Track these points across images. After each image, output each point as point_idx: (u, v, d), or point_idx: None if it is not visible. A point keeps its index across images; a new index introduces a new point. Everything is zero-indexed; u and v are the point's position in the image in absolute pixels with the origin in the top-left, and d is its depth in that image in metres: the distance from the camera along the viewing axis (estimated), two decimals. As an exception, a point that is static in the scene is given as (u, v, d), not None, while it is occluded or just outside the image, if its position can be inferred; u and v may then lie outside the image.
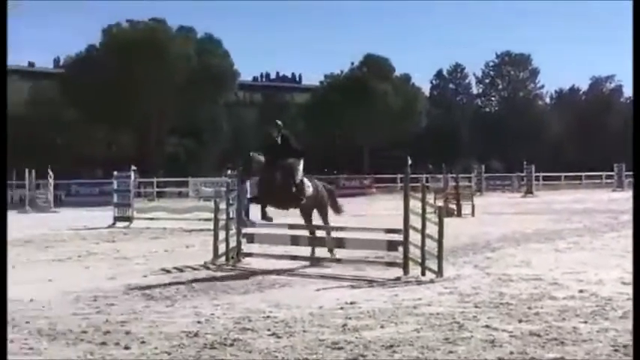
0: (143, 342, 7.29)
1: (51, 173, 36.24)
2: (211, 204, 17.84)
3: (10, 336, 7.60)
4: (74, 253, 15.90)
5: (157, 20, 53.99)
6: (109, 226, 23.31)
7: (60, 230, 21.66)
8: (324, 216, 13.90)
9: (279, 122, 13.48)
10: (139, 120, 53.54)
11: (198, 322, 8.17)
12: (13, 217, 30.39)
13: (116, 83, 49.69)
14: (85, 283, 11.27)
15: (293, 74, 79.52)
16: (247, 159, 13.20)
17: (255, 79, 75.86)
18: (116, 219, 24.29)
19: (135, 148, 53.90)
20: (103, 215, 25.06)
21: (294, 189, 12.99)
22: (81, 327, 7.96)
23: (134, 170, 25.64)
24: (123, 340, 7.38)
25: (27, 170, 37.14)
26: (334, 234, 13.39)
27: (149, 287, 10.82)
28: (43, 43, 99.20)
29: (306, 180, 13.34)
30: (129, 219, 24.03)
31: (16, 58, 68.54)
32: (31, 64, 67.61)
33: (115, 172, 25.96)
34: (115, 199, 25.30)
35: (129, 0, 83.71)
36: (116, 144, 54.57)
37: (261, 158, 13.06)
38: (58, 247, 17.05)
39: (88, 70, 51.00)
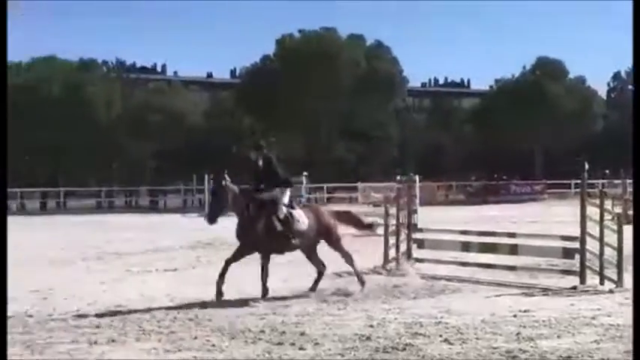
0: (317, 343, 7.47)
1: (228, 178, 37.76)
2: (381, 209, 17.98)
3: (193, 333, 8.06)
4: (250, 255, 16.48)
5: (327, 29, 55.09)
6: (282, 230, 23.96)
7: (233, 233, 22.47)
8: (334, 246, 11.40)
9: (262, 143, 11.25)
10: (310, 126, 54.81)
11: (370, 326, 8.27)
12: (192, 220, 31.98)
13: (288, 91, 51.17)
14: (259, 284, 11.66)
15: (462, 79, 78.60)
16: (218, 186, 10.73)
17: (423, 84, 75.63)
18: (289, 223, 24.93)
19: (305, 154, 55.18)
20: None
21: (278, 226, 10.56)
22: (258, 327, 8.29)
23: (305, 176, 26.28)
24: (298, 340, 7.60)
25: (206, 176, 38.99)
26: (507, 240, 13.05)
27: (321, 289, 11.06)
28: (221, 55, 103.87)
29: (297, 212, 10.89)
30: (301, 223, 24.60)
31: (195, 70, 72.35)
32: (209, 75, 70.93)
33: (288, 178, 26.72)
34: (288, 203, 25.98)
35: (304, 4, 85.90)
36: (287, 150, 56.07)
37: (235, 187, 10.67)
38: (233, 250, 17.70)
39: (263, 79, 52.85)
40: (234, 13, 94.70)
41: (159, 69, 70.51)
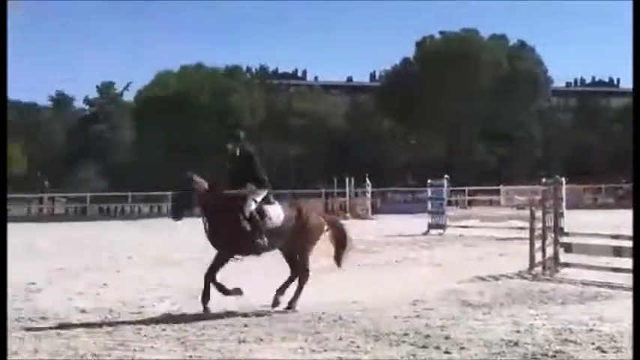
0: (463, 347, 7.38)
1: (368, 182, 38.03)
2: (524, 212, 17.54)
3: (338, 333, 8.14)
4: (391, 258, 16.51)
5: (468, 30, 54.44)
6: (424, 234, 23.86)
7: (378, 237, 22.58)
8: (299, 251, 9.98)
9: (241, 133, 9.96)
10: (450, 128, 54.30)
11: (517, 332, 8.08)
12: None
13: (428, 93, 50.91)
14: (402, 287, 11.65)
15: (610, 78, 75.45)
16: (182, 181, 9.65)
17: (568, 84, 73.20)
18: (430, 226, 24.80)
19: (446, 156, 54.66)
20: (417, 222, 25.71)
21: (246, 225, 9.40)
22: (402, 329, 8.27)
23: (447, 179, 26.00)
24: (443, 344, 7.53)
25: (347, 179, 39.36)
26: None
27: (465, 293, 10.93)
28: (360, 59, 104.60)
29: (271, 207, 9.66)
30: (442, 226, 24.41)
31: (335, 74, 73.19)
32: (349, 80, 71.56)
33: (429, 181, 26.60)
34: (429, 207, 25.92)
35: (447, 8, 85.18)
36: (427, 152, 55.75)
37: (203, 182, 9.63)
38: (377, 253, 17.79)
39: (403, 82, 52.83)
40: (373, 17, 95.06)
41: (300, 74, 71.77)
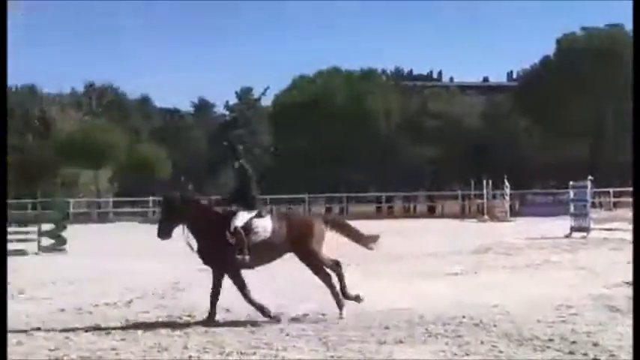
0: (612, 355, 7.11)
1: (507, 183, 37.27)
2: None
3: (479, 337, 8.01)
4: (532, 261, 16.10)
5: (613, 25, 52.39)
6: (566, 236, 23.09)
7: (517, 239, 22.08)
8: (304, 259, 9.71)
9: (241, 148, 10.04)
10: (593, 128, 52.37)
11: (672, 339, 7.69)
12: (471, 226, 31.86)
13: (568, 92, 49.34)
14: (545, 291, 11.34)
15: None
16: (167, 198, 9.81)
17: None
18: (573, 229, 23.99)
19: (587, 156, 52.72)
20: (559, 225, 24.94)
21: (230, 239, 9.32)
22: (547, 334, 8.04)
23: (591, 180, 25.08)
24: (591, 350, 7.27)
25: (484, 181, 38.75)
26: None
27: (612, 298, 10.50)
28: (497, 59, 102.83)
29: (260, 220, 9.51)
30: (586, 229, 23.55)
31: (470, 75, 72.18)
32: (485, 80, 70.39)
33: (571, 182, 25.79)
34: (572, 209, 25.11)
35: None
36: (569, 152, 53.91)
37: (188, 199, 9.83)
38: (516, 256, 17.40)
39: (542, 80, 51.43)
40: (511, 16, 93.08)
41: (435, 76, 71.22)
